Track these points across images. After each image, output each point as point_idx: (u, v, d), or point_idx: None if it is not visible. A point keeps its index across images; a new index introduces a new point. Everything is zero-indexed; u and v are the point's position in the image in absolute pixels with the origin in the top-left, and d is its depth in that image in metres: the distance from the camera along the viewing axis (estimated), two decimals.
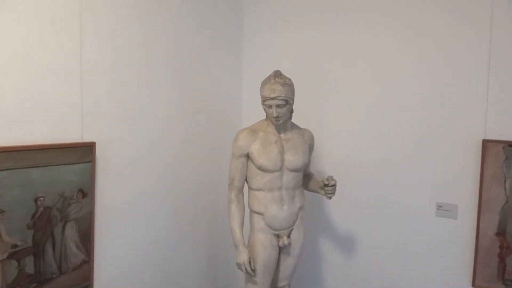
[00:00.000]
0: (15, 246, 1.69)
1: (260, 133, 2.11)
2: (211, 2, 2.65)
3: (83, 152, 1.93)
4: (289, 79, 2.05)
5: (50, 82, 1.82)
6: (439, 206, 2.31)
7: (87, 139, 1.97)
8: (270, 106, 2.02)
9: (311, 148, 2.25)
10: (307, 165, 2.29)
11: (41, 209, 1.77)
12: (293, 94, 2.05)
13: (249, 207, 2.16)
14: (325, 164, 2.65)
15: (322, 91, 2.64)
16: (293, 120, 2.23)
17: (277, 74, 2.04)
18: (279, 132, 2.13)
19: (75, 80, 1.92)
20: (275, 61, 2.79)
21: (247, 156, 2.11)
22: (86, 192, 1.95)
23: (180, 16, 2.44)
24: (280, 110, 2.01)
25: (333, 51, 2.59)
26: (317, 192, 2.20)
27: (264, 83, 2.04)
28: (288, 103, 2.02)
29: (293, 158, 2.10)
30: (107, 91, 2.06)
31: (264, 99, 2.03)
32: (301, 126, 2.28)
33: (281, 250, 2.17)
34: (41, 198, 1.76)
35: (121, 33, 2.11)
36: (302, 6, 2.69)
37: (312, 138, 2.24)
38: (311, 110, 2.67)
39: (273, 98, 1.99)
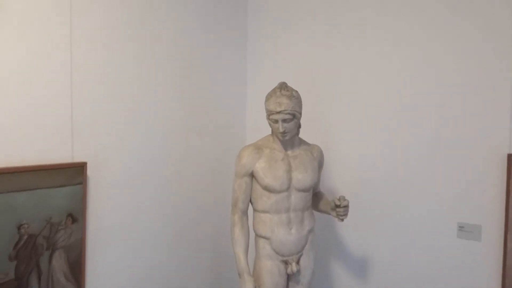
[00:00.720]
0: None
1: (266, 150, 1.95)
2: (213, 9, 2.52)
3: (73, 173, 1.77)
4: (296, 91, 1.90)
5: (37, 96, 1.69)
6: (460, 227, 2.12)
7: (78, 158, 1.82)
8: (276, 121, 1.87)
9: (320, 165, 2.08)
10: (316, 184, 2.12)
11: (25, 237, 1.61)
12: (300, 107, 1.89)
13: (254, 231, 1.99)
14: (337, 182, 2.48)
15: (332, 103, 2.48)
16: (301, 135, 2.07)
17: (283, 86, 1.89)
18: (286, 149, 1.97)
19: (64, 94, 1.78)
20: (281, 70, 2.66)
21: (252, 176, 1.95)
22: (76, 217, 1.79)
23: (180, 23, 2.31)
24: (287, 125, 1.86)
25: (344, 59, 2.44)
26: (328, 213, 2.03)
27: (269, 96, 1.89)
28: (295, 117, 1.86)
29: (302, 177, 1.94)
30: (100, 106, 1.92)
31: (269, 113, 1.88)
32: (310, 141, 2.12)
33: (289, 278, 1.98)
34: (25, 225, 1.61)
35: (115, 42, 1.97)
36: (309, 12, 2.56)
37: (321, 155, 2.08)
38: (320, 124, 2.51)
39: (279, 112, 1.83)
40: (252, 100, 2.80)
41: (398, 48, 2.25)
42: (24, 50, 1.63)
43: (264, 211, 1.94)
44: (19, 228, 1.59)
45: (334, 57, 2.46)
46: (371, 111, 2.35)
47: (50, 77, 1.72)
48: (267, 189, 1.91)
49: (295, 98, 1.86)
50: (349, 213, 1.96)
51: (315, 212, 2.12)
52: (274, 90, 1.89)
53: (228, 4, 2.65)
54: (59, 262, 1.73)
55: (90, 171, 1.85)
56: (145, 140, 2.13)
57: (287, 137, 1.90)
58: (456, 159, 2.11)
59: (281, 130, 1.86)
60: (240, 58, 2.78)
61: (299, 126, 1.99)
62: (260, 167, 1.91)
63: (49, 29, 1.71)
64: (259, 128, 2.40)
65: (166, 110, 2.24)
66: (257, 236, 1.98)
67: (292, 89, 1.89)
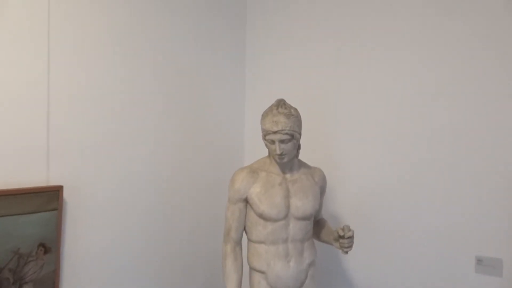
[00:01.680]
0: None
1: (262, 174, 1.77)
2: (210, 23, 2.38)
3: (48, 198, 1.60)
4: (295, 109, 1.72)
5: (11, 114, 1.53)
6: (479, 260, 1.91)
7: (54, 181, 1.65)
8: (273, 142, 1.69)
9: (322, 190, 1.89)
10: (318, 211, 1.92)
11: None
12: (299, 126, 1.72)
13: (248, 264, 1.79)
14: (340, 209, 2.28)
15: (334, 123, 2.30)
16: (301, 157, 1.89)
17: (281, 103, 1.72)
18: (284, 172, 1.79)
19: (40, 111, 1.62)
20: (281, 87, 2.50)
21: (246, 202, 1.76)
22: (49, 246, 1.61)
23: (174, 36, 2.16)
24: (285, 146, 1.68)
25: (346, 76, 2.27)
26: (330, 244, 1.82)
27: (265, 114, 1.71)
28: (294, 137, 1.68)
29: (301, 204, 1.74)
30: (81, 123, 1.75)
31: (265, 133, 1.70)
32: (310, 164, 1.93)
33: None
34: None
35: (98, 56, 1.82)
36: (310, 28, 2.40)
37: (324, 179, 1.89)
38: (322, 145, 2.33)
39: (275, 132, 1.66)
40: (250, 117, 2.63)
41: (405, 63, 2.08)
42: None
43: (259, 242, 1.74)
44: None
45: (336, 74, 2.30)
46: (377, 130, 2.16)
47: (25, 94, 1.57)
48: (262, 217, 1.72)
49: (294, 116, 1.69)
50: (354, 245, 1.77)
51: (317, 242, 1.91)
52: (270, 108, 1.71)
53: (226, 19, 2.51)
54: None
55: (67, 196, 1.68)
56: (131, 160, 1.96)
57: (285, 160, 1.72)
58: (473, 186, 1.91)
59: (278, 151, 1.68)
60: (238, 74, 2.62)
61: (298, 148, 1.81)
62: (255, 192, 1.73)
63: (26, 47, 1.56)
64: (257, 147, 2.24)
65: (156, 128, 2.07)
66: (252, 269, 1.78)
67: (291, 107, 1.72)
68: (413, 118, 2.06)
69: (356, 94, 2.23)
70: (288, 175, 1.79)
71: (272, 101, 1.86)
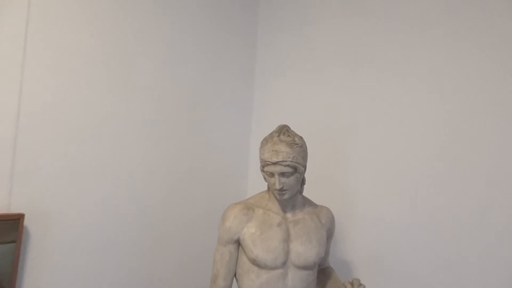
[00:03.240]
0: None
1: (258, 211, 1.50)
2: (216, 39, 2.18)
3: (6, 228, 1.37)
4: (300, 138, 1.47)
5: None
6: None
7: (16, 209, 1.42)
8: (272, 174, 1.44)
9: (330, 234, 1.61)
10: (324, 258, 1.64)
11: None
12: (304, 158, 1.46)
13: None
14: (351, 255, 1.97)
15: (346, 156, 2.03)
16: (305, 193, 1.62)
17: (283, 130, 1.47)
18: (284, 211, 1.52)
19: (7, 128, 1.41)
20: (291, 114, 2.26)
21: (238, 243, 1.50)
22: (2, 286, 1.37)
23: (170, 47, 1.97)
24: (286, 180, 1.42)
25: (362, 104, 2.01)
26: None
27: (264, 142, 1.47)
28: (297, 170, 1.43)
29: (303, 250, 1.47)
30: (52, 144, 1.54)
31: (263, 164, 1.45)
32: (317, 201, 1.67)
33: None
34: None
35: (78, 69, 1.62)
36: (326, 50, 2.17)
37: (332, 220, 1.61)
38: (331, 180, 2.05)
39: (275, 163, 1.40)
40: (256, 145, 2.39)
41: (428, 93, 1.82)
42: None
43: None
44: None
45: (351, 102, 2.04)
46: (396, 165, 1.87)
47: None
48: (256, 263, 1.44)
49: (298, 146, 1.44)
50: None
51: None
52: (271, 135, 1.47)
53: (235, 37, 2.31)
54: None
55: (30, 226, 1.45)
56: (114, 188, 1.72)
57: (285, 196, 1.45)
58: (495, 233, 1.60)
59: (278, 186, 1.42)
60: (245, 98, 2.40)
61: (303, 182, 1.55)
62: (248, 233, 1.46)
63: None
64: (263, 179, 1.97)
65: (145, 151, 1.84)
66: None
67: (295, 134, 1.47)
68: (437, 153, 1.77)
69: (372, 125, 1.96)
70: (289, 215, 1.53)
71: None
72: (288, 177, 1.42)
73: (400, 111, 1.88)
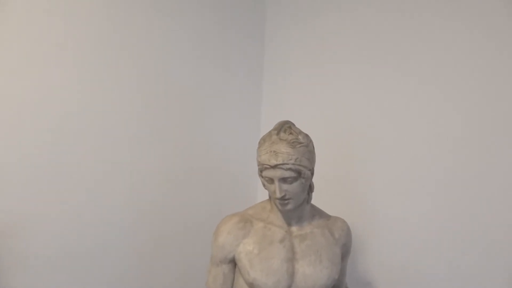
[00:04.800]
0: None
1: (257, 224, 1.26)
2: (220, 35, 1.95)
3: None
4: (305, 136, 1.22)
5: None
6: None
7: None
8: (271, 180, 1.19)
9: (346, 250, 1.35)
10: (340, 280, 1.37)
11: None
12: (311, 159, 1.21)
13: None
14: (371, 274, 1.69)
15: (364, 155, 1.75)
16: (317, 203, 1.37)
17: (284, 126, 1.23)
18: (289, 224, 1.27)
19: None
20: (302, 111, 2.00)
21: (234, 263, 1.26)
22: None
23: (170, 41, 1.76)
24: (288, 187, 1.18)
25: (379, 100, 1.73)
26: None
27: (262, 141, 1.23)
28: (301, 175, 1.18)
29: (312, 271, 1.21)
30: (27, 147, 1.35)
31: (261, 168, 1.21)
32: (330, 212, 1.41)
33: None
34: None
35: (56, 60, 1.44)
36: (339, 43, 1.91)
37: (348, 234, 1.35)
38: (347, 187, 1.78)
39: (274, 167, 1.16)
40: None
41: (451, 86, 1.52)
42: None
43: None
44: None
45: (367, 99, 1.76)
46: (418, 165, 1.57)
47: None
48: (253, 287, 1.20)
49: (302, 145, 1.19)
50: None
51: None
52: (269, 133, 1.23)
53: (241, 34, 2.07)
54: None
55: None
56: (98, 200, 1.52)
57: (289, 206, 1.21)
58: None
59: (278, 194, 1.17)
60: (253, 97, 2.16)
61: (310, 189, 1.29)
62: (245, 251, 1.22)
63: None
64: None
65: (139, 156, 1.64)
66: None
67: (299, 132, 1.22)
68: (466, 153, 1.47)
69: (395, 125, 1.68)
70: (294, 228, 1.28)
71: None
72: (290, 183, 1.18)
73: (419, 109, 1.59)
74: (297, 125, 1.81)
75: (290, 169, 1.16)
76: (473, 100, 1.47)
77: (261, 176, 1.23)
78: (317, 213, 1.34)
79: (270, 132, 1.22)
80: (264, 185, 1.24)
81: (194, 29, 1.84)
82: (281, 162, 1.15)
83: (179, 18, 1.79)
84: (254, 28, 2.16)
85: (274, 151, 1.16)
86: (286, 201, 1.20)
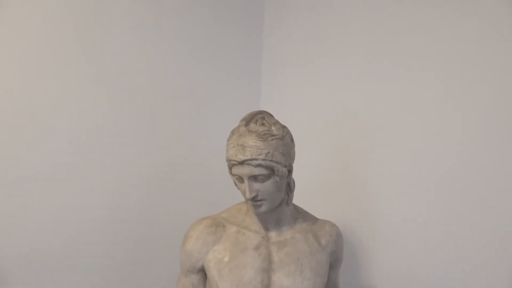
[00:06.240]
0: None
1: (230, 229, 1.11)
2: (216, 30, 1.81)
3: None
4: (281, 127, 1.06)
5: None
6: None
7: None
8: (241, 179, 1.04)
9: (335, 258, 1.18)
10: None
11: None
12: (286, 154, 1.04)
13: None
14: (371, 281, 1.49)
15: (365, 156, 1.55)
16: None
17: (256, 116, 1.07)
18: (266, 228, 1.12)
19: None
20: (301, 111, 1.83)
21: (204, 273, 1.12)
22: None
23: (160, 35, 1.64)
24: (260, 186, 1.02)
25: (386, 98, 1.52)
26: None
27: (231, 134, 1.08)
28: (275, 172, 1.02)
29: (290, 283, 1.05)
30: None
31: (229, 164, 1.06)
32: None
33: None
34: None
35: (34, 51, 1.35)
36: (340, 39, 1.72)
37: (337, 239, 1.18)
38: (349, 186, 1.58)
39: (242, 163, 1.01)
40: None
41: (457, 84, 1.31)
42: None
43: None
44: None
45: (369, 97, 1.57)
46: (424, 165, 1.37)
47: None
48: None
49: (276, 138, 1.03)
50: None
51: None
52: (238, 125, 1.08)
53: (239, 29, 1.93)
54: None
55: None
56: (76, 203, 1.42)
57: (263, 209, 1.05)
58: None
59: (248, 195, 1.02)
60: (251, 94, 1.99)
61: (289, 189, 1.12)
62: (215, 259, 1.07)
63: None
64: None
65: (136, 154, 1.52)
66: None
67: (274, 123, 1.06)
68: (479, 150, 1.26)
69: (395, 125, 1.47)
70: (272, 233, 1.12)
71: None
72: (262, 181, 1.02)
73: (420, 108, 1.39)
74: (296, 125, 1.67)
75: (260, 165, 1.00)
76: (475, 100, 1.26)
77: (231, 174, 1.08)
78: (301, 216, 1.17)
79: (238, 124, 1.08)
80: (235, 185, 1.09)
81: (191, 28, 1.73)
82: (249, 157, 1.00)
83: (176, 18, 1.68)
84: (252, 26, 2.01)
85: (242, 145, 1.01)
86: (258, 203, 1.04)
